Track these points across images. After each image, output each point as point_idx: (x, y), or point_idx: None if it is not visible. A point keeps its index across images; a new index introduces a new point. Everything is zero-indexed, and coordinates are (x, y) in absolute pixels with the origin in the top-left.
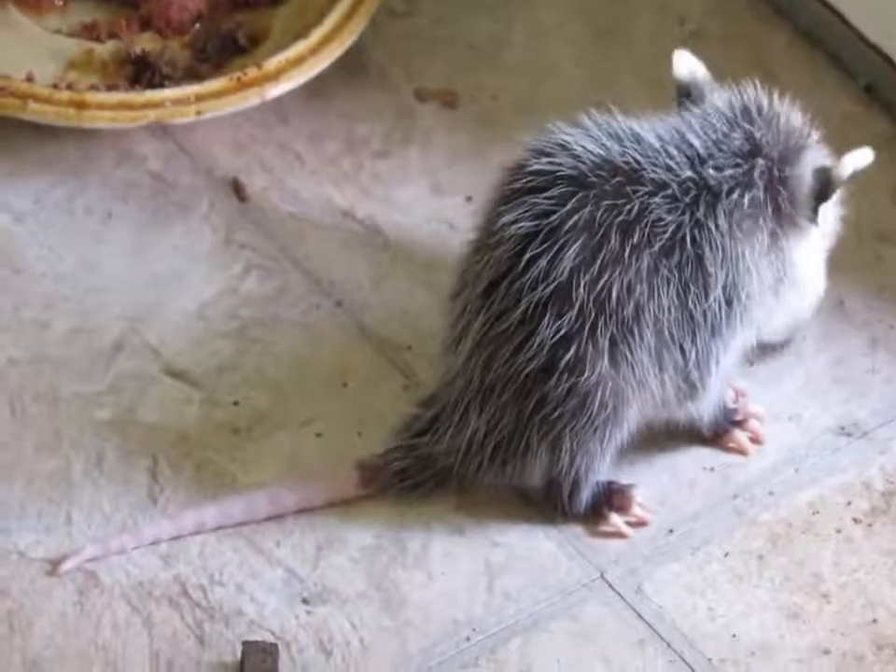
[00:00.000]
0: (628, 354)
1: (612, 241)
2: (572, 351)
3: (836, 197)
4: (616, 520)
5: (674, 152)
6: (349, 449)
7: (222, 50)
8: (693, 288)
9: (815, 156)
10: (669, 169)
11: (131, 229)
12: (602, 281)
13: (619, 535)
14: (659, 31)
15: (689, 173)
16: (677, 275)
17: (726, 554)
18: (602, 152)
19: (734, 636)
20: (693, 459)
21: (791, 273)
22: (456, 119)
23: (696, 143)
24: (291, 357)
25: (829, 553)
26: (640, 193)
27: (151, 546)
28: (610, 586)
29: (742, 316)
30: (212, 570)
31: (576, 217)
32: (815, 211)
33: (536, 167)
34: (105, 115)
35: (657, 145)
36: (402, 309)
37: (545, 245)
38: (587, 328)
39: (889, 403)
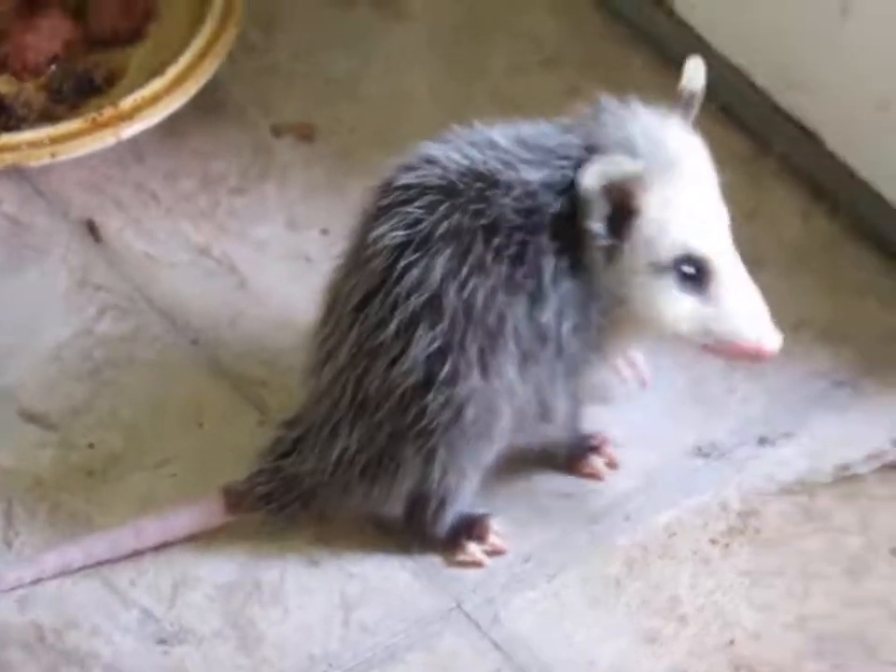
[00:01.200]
0: (496, 365)
1: (477, 246)
2: (448, 364)
3: (595, 213)
4: (473, 549)
5: (525, 154)
6: (205, 488)
7: (78, 91)
8: (536, 301)
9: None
10: (516, 171)
11: None
12: (469, 287)
13: (476, 564)
14: (514, 56)
15: (533, 175)
16: (526, 285)
17: (583, 580)
18: (465, 161)
19: (591, 662)
20: (550, 486)
21: (611, 294)
22: (314, 153)
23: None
24: (146, 398)
25: (686, 575)
26: (497, 196)
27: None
28: (467, 616)
29: (581, 338)
30: (68, 613)
31: (445, 225)
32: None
33: (403, 181)
34: None
35: (509, 146)
36: (258, 346)
37: (417, 255)
38: (458, 338)
39: (745, 423)
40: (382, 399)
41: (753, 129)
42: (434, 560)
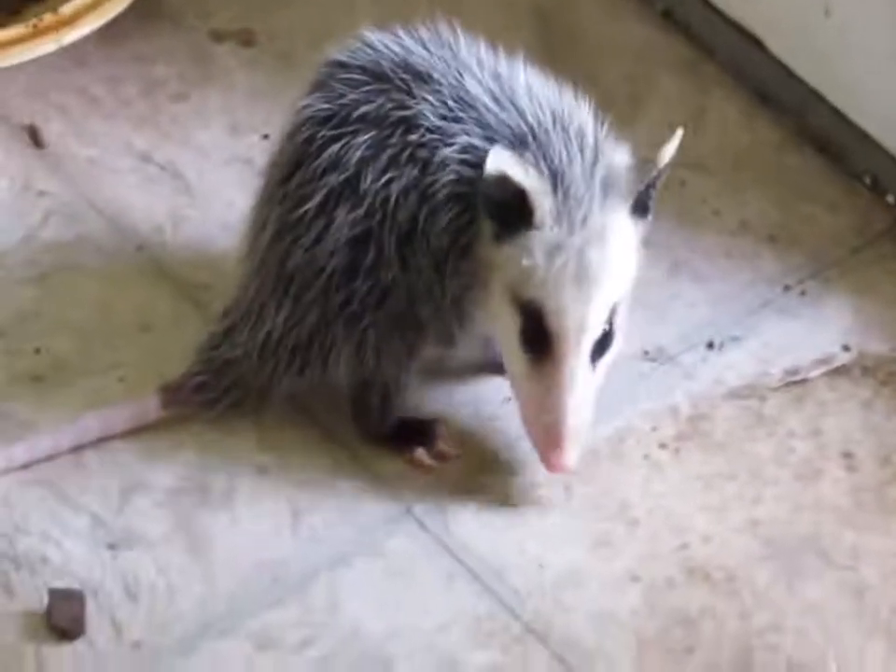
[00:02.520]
0: (415, 261)
1: (395, 139)
2: (372, 251)
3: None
4: (420, 454)
5: (470, 71)
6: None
7: None
8: (435, 216)
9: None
10: (453, 83)
11: None
12: (384, 179)
13: (424, 469)
14: None
15: (456, 88)
16: (431, 196)
17: (532, 485)
18: (402, 52)
19: (541, 566)
20: (495, 392)
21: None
22: (254, 57)
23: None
24: (92, 303)
25: (636, 479)
26: (422, 92)
27: None
28: (417, 521)
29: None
30: (16, 519)
31: (367, 108)
32: None
33: (336, 58)
34: None
35: (464, 57)
36: (202, 250)
37: (337, 131)
38: (376, 226)
39: (692, 328)
40: (307, 280)
41: (696, 34)
42: (383, 466)
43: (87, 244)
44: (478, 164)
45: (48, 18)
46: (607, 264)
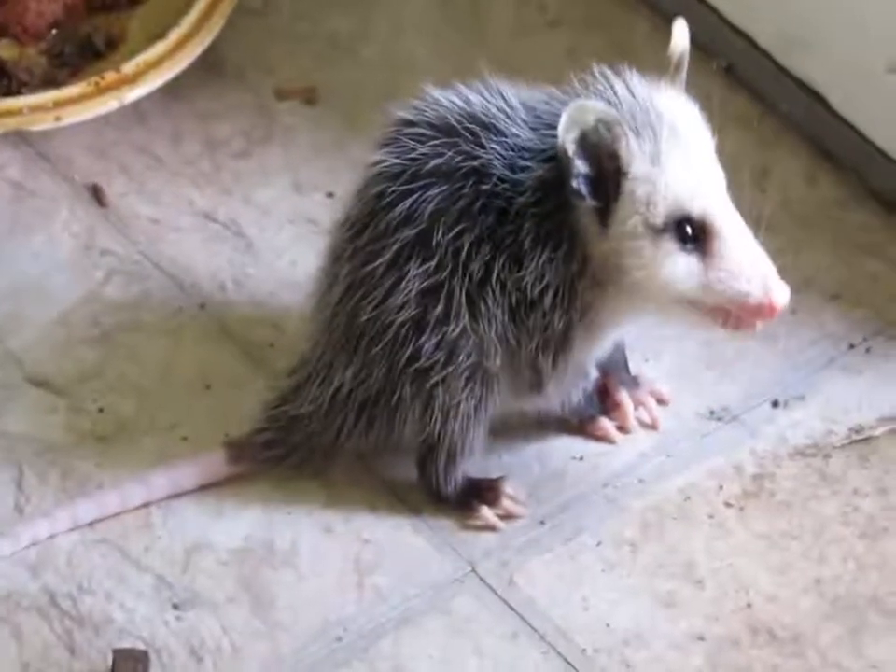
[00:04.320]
0: (485, 310)
1: (467, 190)
2: (441, 304)
3: (576, 170)
4: (486, 513)
5: (523, 113)
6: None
7: (80, 55)
8: (517, 262)
9: None
10: (514, 123)
11: None
12: (456, 230)
13: (490, 528)
14: (518, 20)
15: (525, 135)
16: (508, 243)
17: (598, 544)
18: (465, 105)
19: (607, 625)
20: (562, 449)
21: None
22: (317, 115)
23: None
24: (154, 362)
25: (701, 538)
26: (491, 142)
27: (21, 553)
28: (482, 580)
29: (566, 311)
30: (80, 579)
31: (438, 161)
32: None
33: (404, 116)
34: None
35: (512, 101)
36: (265, 309)
37: (409, 186)
38: (447, 278)
39: (758, 386)
40: (376, 335)
41: (757, 90)
42: (447, 524)
43: (149, 302)
44: (548, 195)
45: (109, 76)
46: (696, 125)
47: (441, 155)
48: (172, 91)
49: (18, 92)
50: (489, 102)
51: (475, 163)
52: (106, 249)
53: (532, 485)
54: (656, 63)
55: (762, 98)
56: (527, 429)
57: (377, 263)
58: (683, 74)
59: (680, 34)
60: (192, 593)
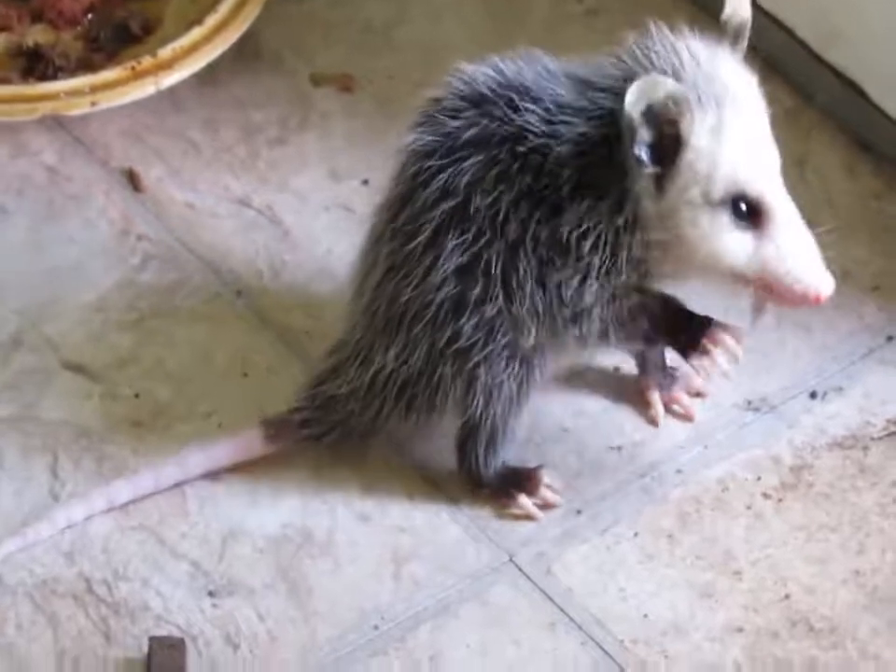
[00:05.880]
0: (517, 281)
1: (503, 154)
2: (479, 280)
3: (638, 137)
4: (525, 502)
5: (563, 80)
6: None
7: (115, 40)
8: (555, 212)
9: None
10: (552, 90)
11: (27, 222)
12: (493, 195)
13: (528, 517)
14: (555, 8)
15: (566, 97)
16: (547, 195)
17: (635, 534)
18: (497, 75)
19: (645, 616)
20: (600, 439)
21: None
22: (353, 102)
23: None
24: (191, 348)
25: (740, 529)
26: (526, 104)
27: (57, 540)
28: (519, 569)
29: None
30: (116, 565)
31: (472, 132)
32: None
33: (435, 94)
34: None
35: (553, 69)
36: (301, 296)
37: (445, 160)
38: (483, 250)
39: (796, 377)
40: (417, 314)
41: (796, 81)
42: (484, 513)
43: (185, 288)
44: (592, 149)
45: (146, 61)
46: (757, 99)
47: (475, 125)
48: (208, 76)
49: (54, 77)
50: (524, 69)
51: (510, 128)
52: (142, 235)
53: (570, 475)
54: None
55: (799, 89)
56: (565, 420)
57: (416, 242)
58: (744, 44)
59: (739, 2)
60: (228, 580)
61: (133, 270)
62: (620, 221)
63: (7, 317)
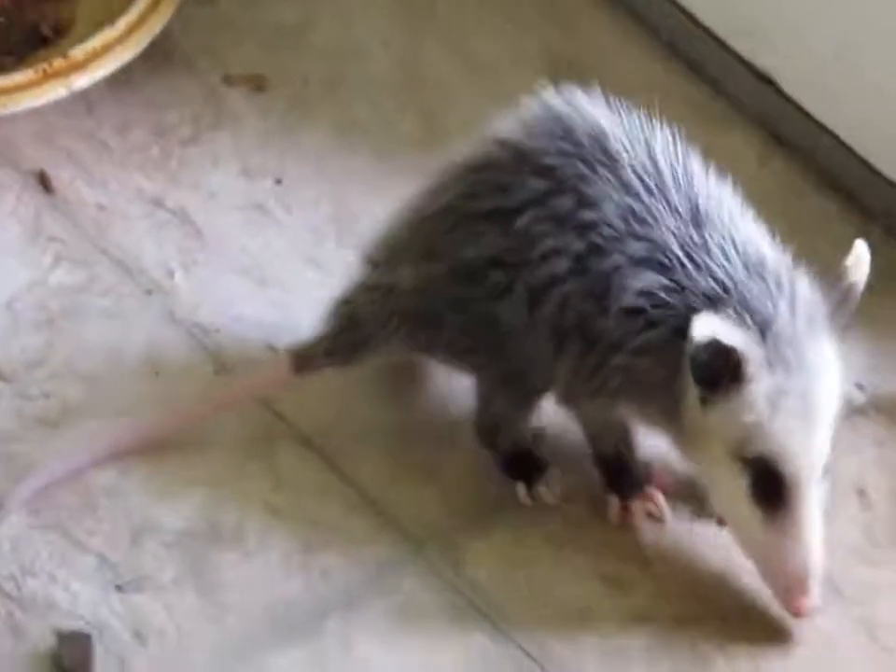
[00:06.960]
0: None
1: (567, 199)
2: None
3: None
4: (521, 490)
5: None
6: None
7: (26, 42)
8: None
9: None
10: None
11: None
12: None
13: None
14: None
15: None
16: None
17: (539, 522)
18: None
19: (550, 605)
20: None
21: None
22: (266, 102)
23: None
24: (102, 348)
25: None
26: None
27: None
28: (429, 561)
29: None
30: (23, 561)
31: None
32: None
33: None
34: None
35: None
36: (213, 295)
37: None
38: (516, 274)
39: None
40: (444, 251)
41: (706, 72)
42: (395, 505)
43: (96, 288)
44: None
45: (57, 63)
46: (830, 396)
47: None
48: (121, 78)
49: None
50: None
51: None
52: (53, 236)
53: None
54: (599, 42)
55: (709, 80)
56: None
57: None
58: (849, 311)
59: (860, 258)
60: (137, 574)
61: (43, 271)
62: (658, 394)
63: None
